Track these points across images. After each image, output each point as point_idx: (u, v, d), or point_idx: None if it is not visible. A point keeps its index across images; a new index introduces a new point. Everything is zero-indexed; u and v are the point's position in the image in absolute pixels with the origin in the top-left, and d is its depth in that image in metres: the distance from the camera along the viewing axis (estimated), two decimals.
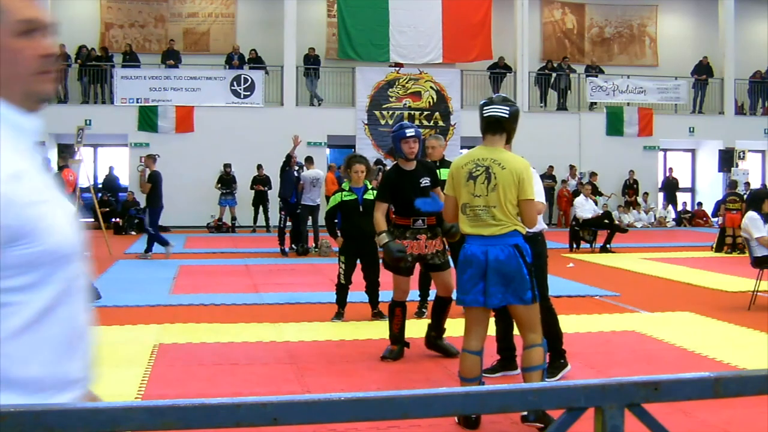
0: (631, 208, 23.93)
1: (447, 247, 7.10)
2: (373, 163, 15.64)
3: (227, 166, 21.37)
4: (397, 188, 6.69)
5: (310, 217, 15.43)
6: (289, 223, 15.55)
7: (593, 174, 22.78)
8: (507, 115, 4.91)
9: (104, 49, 23.09)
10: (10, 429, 1.34)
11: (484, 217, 4.82)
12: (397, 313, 6.85)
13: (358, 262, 8.50)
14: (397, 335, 6.86)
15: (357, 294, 8.76)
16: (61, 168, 15.61)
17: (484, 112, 4.94)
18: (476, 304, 4.88)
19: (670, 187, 25.31)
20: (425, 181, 6.72)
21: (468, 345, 4.97)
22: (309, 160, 15.81)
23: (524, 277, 4.78)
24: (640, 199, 24.52)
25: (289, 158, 15.32)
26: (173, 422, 1.40)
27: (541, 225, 5.86)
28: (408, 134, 6.68)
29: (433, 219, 6.74)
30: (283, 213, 15.58)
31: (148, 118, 22.25)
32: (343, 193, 8.61)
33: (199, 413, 1.42)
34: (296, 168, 15.29)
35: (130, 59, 22.88)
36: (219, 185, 21.34)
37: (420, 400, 1.52)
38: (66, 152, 19.77)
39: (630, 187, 24.24)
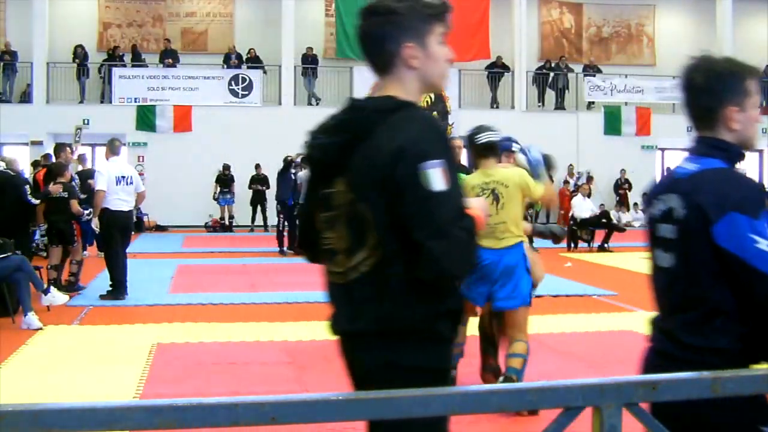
0: (622, 206, 23.87)
1: None
2: None
3: (226, 167, 21.36)
4: None
5: None
6: (287, 224, 15.55)
7: (590, 177, 22.72)
8: (498, 138, 5.52)
9: (116, 48, 23.06)
10: (10, 429, 1.34)
11: (496, 232, 5.24)
12: None
13: None
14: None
15: None
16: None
17: (477, 139, 5.42)
18: (474, 302, 5.40)
19: None
20: None
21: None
22: (305, 161, 15.75)
23: (528, 281, 5.31)
24: (638, 200, 24.47)
25: (289, 163, 15.33)
26: (171, 422, 1.40)
27: None
28: (514, 148, 6.84)
29: None
30: (281, 216, 15.57)
31: (146, 118, 22.22)
32: None
33: (197, 413, 1.42)
34: (293, 172, 15.28)
35: (134, 59, 22.87)
36: (217, 184, 21.35)
37: (418, 399, 1.52)
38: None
39: (620, 187, 24.22)
